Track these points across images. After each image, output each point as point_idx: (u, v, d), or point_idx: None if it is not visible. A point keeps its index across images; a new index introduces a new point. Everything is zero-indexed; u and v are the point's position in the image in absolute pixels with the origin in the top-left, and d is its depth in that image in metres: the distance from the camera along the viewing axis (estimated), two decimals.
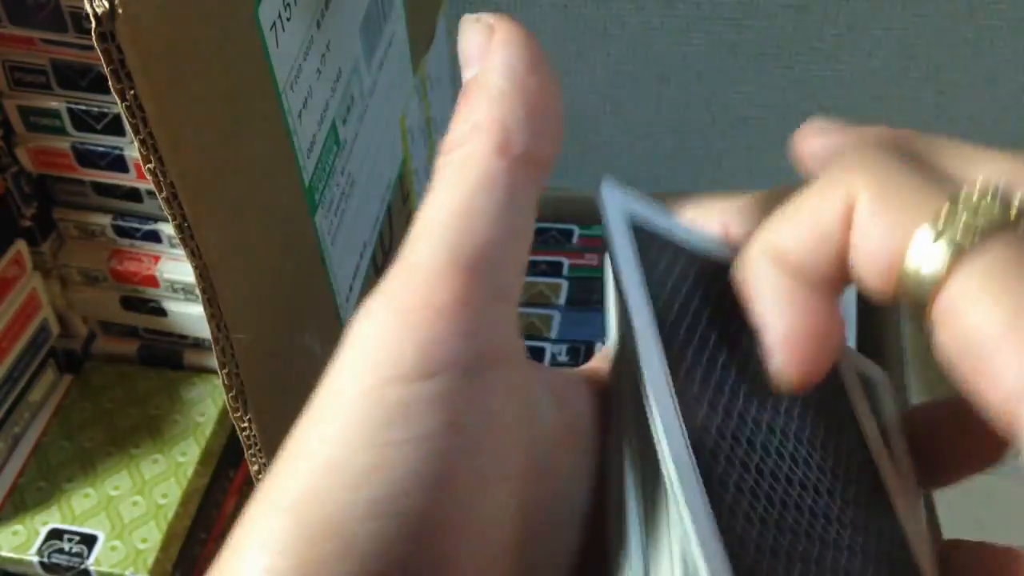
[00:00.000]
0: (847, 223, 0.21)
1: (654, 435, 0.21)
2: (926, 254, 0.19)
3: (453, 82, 0.74)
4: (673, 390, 0.22)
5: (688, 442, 0.21)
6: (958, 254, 0.19)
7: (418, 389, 0.18)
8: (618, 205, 0.25)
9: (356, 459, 0.18)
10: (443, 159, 0.22)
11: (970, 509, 0.65)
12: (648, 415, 0.21)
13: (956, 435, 0.26)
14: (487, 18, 0.23)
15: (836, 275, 0.22)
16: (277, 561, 0.17)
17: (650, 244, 0.25)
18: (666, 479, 0.20)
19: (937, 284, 0.19)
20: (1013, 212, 0.20)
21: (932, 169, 0.21)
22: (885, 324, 0.67)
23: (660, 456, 0.21)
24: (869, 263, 0.21)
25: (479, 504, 0.19)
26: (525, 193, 0.22)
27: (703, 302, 0.25)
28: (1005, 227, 0.19)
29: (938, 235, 0.19)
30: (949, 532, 0.65)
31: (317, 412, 0.19)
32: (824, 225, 0.22)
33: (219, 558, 0.19)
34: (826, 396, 0.26)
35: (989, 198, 0.20)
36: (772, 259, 0.22)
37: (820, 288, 0.22)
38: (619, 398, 0.24)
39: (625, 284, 0.23)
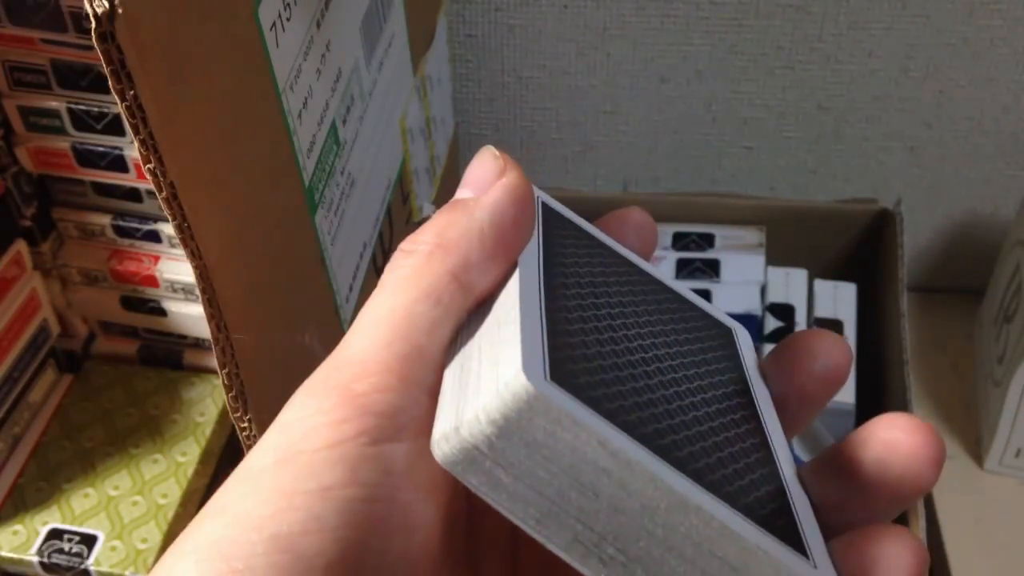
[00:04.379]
0: None
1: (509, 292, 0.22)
2: None
3: (453, 82, 0.74)
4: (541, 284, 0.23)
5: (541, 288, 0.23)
6: None
7: (324, 454, 0.21)
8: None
9: (262, 508, 0.20)
10: (400, 259, 0.24)
11: (970, 508, 0.65)
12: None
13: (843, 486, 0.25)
14: (503, 157, 0.25)
15: None
16: None
17: (558, 222, 0.27)
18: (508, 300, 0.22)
19: None
20: None
21: None
22: (885, 324, 0.67)
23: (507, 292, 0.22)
24: None
25: (379, 547, 0.21)
26: (458, 307, 0.23)
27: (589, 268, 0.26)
28: None
29: None
30: (948, 531, 0.65)
31: (233, 480, 0.21)
32: None
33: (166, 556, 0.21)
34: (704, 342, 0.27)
35: None
36: None
37: None
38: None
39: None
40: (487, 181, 0.24)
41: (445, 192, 0.71)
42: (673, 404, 0.23)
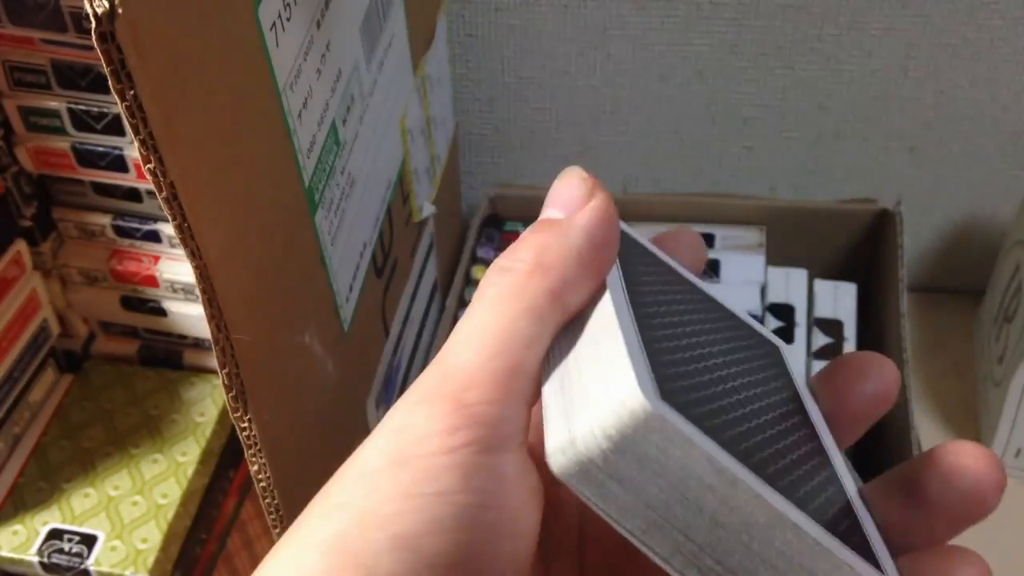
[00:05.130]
0: None
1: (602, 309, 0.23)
2: None
3: (453, 82, 0.74)
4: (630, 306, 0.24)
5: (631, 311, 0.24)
6: None
7: (439, 459, 0.22)
8: None
9: (384, 508, 0.21)
10: (498, 276, 0.25)
11: None
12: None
13: (850, 387, 0.27)
14: (591, 179, 0.26)
15: None
16: None
17: (635, 249, 0.28)
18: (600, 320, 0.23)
19: None
20: None
21: None
22: (885, 324, 0.67)
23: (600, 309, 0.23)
24: None
25: (492, 551, 0.22)
26: (555, 324, 0.24)
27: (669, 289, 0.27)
28: None
29: None
30: None
31: (348, 478, 0.22)
32: None
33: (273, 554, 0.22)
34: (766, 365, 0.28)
35: None
36: None
37: None
38: None
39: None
40: (577, 202, 0.26)
41: (445, 192, 0.71)
42: (753, 422, 0.24)
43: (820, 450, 0.26)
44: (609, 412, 0.21)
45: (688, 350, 0.24)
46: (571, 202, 0.26)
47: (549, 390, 0.23)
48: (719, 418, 0.22)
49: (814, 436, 0.27)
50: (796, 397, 0.28)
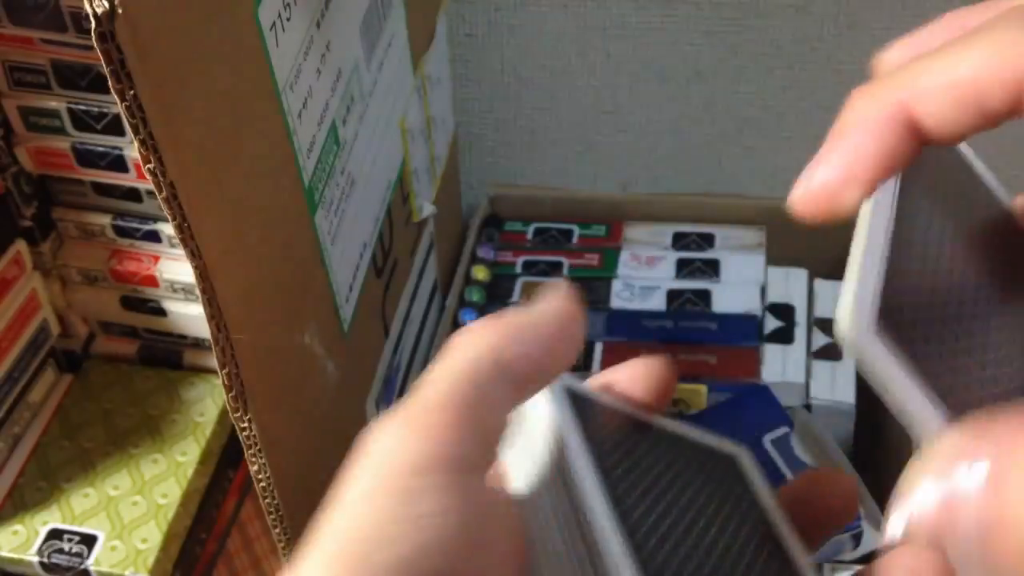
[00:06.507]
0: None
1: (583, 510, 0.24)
2: None
3: (453, 82, 0.74)
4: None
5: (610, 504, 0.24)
6: None
7: (430, 479, 0.22)
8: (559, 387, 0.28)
9: (385, 529, 0.22)
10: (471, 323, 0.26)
11: None
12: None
13: (816, 502, 0.28)
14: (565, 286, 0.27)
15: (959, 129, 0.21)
16: None
17: (583, 403, 0.28)
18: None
19: None
20: None
21: None
22: None
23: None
24: None
25: (483, 565, 0.23)
26: (517, 393, 0.25)
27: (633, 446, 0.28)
28: None
29: None
30: None
31: (343, 501, 0.23)
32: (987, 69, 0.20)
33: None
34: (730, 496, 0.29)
35: None
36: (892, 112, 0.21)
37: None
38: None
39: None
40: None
41: (445, 192, 0.71)
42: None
43: (776, 558, 0.27)
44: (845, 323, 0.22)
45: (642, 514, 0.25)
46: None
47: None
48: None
49: (768, 549, 0.28)
50: (752, 509, 0.29)
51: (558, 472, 0.26)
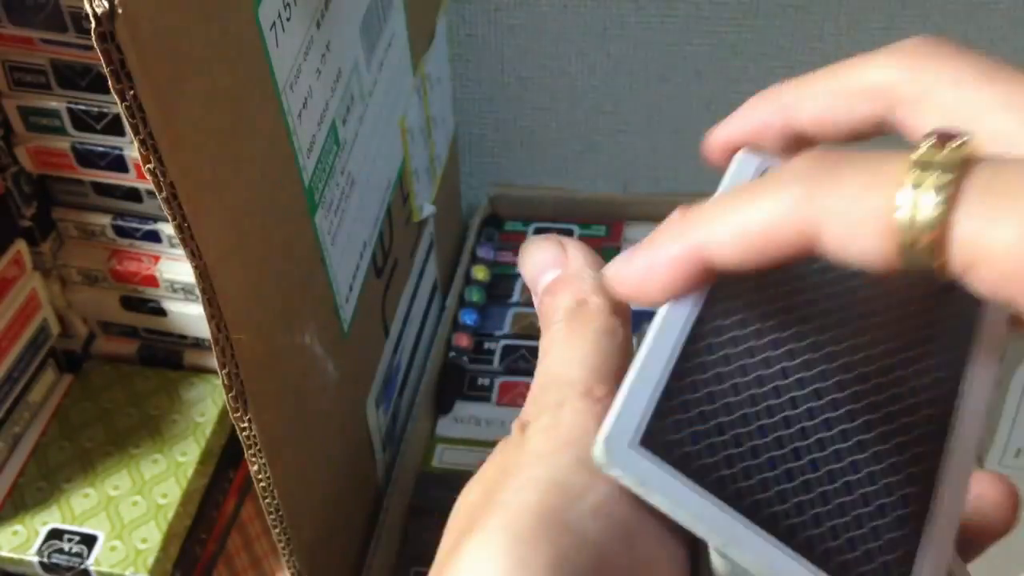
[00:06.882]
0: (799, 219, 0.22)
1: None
2: (917, 203, 0.20)
3: (453, 82, 0.74)
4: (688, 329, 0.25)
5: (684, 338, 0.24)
6: (948, 192, 0.20)
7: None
8: None
9: (572, 478, 0.23)
10: (554, 328, 0.27)
11: None
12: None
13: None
14: (553, 236, 0.28)
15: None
16: (528, 552, 0.21)
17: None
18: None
19: (939, 227, 0.20)
20: (969, 149, 0.21)
21: (865, 155, 0.22)
22: None
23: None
24: (859, 234, 0.21)
25: (655, 542, 0.23)
26: (629, 342, 0.26)
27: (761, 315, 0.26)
28: (971, 160, 0.20)
29: (918, 184, 0.20)
30: None
31: (515, 472, 0.23)
32: (771, 223, 0.22)
33: (455, 551, 0.22)
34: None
35: (943, 146, 0.21)
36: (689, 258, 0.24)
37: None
38: None
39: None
40: (560, 256, 0.28)
41: (445, 192, 0.71)
42: (792, 462, 0.24)
43: (921, 459, 0.25)
44: (597, 445, 0.22)
45: (742, 389, 0.24)
46: (553, 259, 0.28)
47: None
48: (734, 466, 0.23)
49: (932, 438, 0.25)
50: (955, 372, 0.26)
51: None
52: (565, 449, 0.23)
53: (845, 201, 0.21)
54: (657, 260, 0.24)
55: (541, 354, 0.27)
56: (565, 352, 0.26)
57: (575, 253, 0.28)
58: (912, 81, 0.24)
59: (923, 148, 0.20)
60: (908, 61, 0.25)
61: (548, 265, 0.28)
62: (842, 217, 0.21)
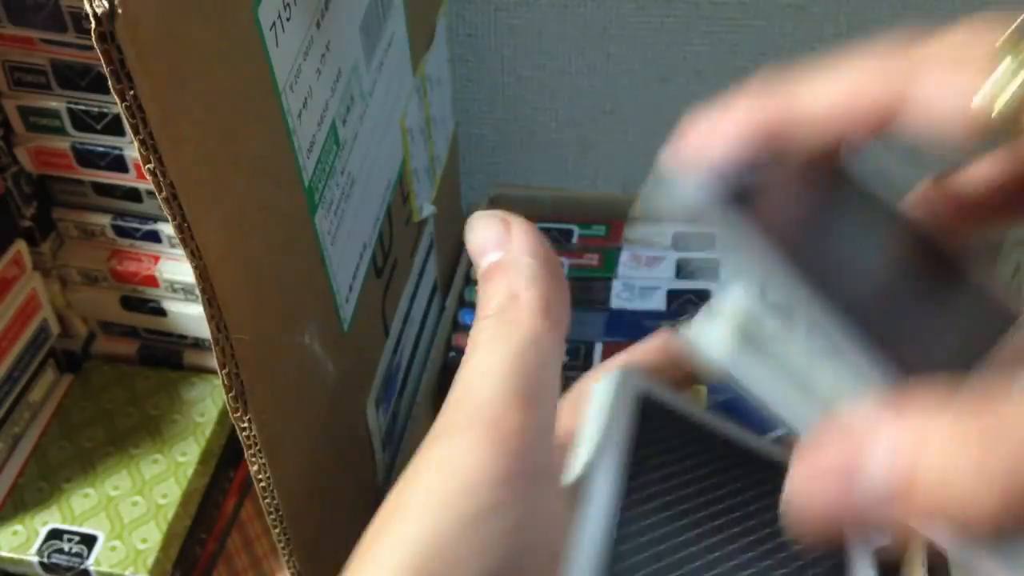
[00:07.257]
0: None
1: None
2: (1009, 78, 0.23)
3: (453, 82, 0.74)
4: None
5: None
6: None
7: (502, 493, 0.23)
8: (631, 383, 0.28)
9: (452, 545, 0.22)
10: (482, 323, 0.26)
11: None
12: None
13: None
14: (499, 213, 0.27)
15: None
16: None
17: (654, 415, 0.28)
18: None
19: None
20: None
21: None
22: None
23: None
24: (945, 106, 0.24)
25: (542, 554, 0.24)
26: (558, 351, 0.26)
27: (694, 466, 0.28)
28: None
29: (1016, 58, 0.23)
30: None
31: (409, 507, 0.23)
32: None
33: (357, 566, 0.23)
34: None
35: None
36: None
37: None
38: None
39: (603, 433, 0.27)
40: (502, 236, 0.27)
41: (445, 192, 0.71)
42: None
43: None
44: None
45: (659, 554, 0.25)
46: (495, 240, 0.27)
47: None
48: None
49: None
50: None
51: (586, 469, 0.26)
52: (453, 502, 0.23)
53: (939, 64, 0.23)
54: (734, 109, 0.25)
55: (468, 348, 0.26)
56: (486, 359, 0.25)
57: (518, 236, 0.27)
58: (910, 48, 0.26)
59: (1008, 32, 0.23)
60: (894, 45, 0.26)
61: (490, 245, 0.27)
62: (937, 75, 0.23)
